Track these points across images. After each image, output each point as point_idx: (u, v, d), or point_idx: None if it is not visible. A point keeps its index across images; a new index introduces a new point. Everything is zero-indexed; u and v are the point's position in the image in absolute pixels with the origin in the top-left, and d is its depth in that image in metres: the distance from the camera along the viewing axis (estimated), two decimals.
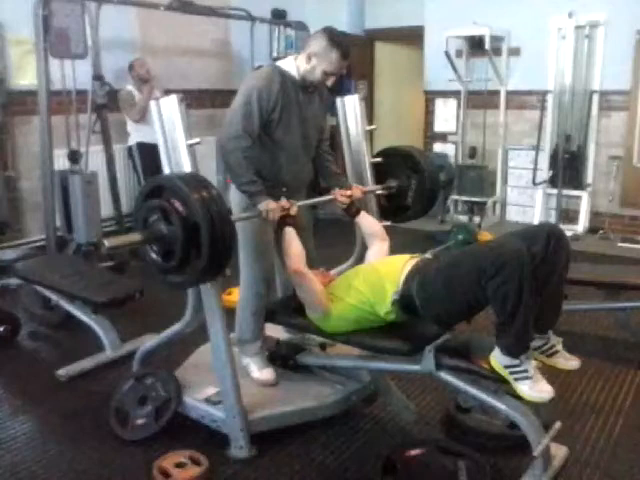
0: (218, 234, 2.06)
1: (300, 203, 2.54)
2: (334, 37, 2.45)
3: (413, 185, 3.04)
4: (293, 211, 2.48)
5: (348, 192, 2.71)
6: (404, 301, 2.24)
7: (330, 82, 2.55)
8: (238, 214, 2.58)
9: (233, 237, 2.17)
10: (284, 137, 2.54)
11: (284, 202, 2.46)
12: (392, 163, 3.08)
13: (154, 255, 2.19)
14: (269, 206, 2.43)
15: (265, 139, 2.52)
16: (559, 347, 2.32)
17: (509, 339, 2.06)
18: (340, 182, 2.79)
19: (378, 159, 3.08)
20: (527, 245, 2.11)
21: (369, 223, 2.76)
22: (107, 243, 2.07)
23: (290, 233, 2.47)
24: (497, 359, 2.11)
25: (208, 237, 2.03)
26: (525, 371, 2.07)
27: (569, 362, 2.31)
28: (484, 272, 2.01)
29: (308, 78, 2.51)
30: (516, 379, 2.08)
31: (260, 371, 2.73)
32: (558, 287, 2.25)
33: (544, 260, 2.14)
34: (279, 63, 2.60)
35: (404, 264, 2.33)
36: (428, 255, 2.41)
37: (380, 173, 3.09)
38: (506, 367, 2.09)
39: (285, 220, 2.47)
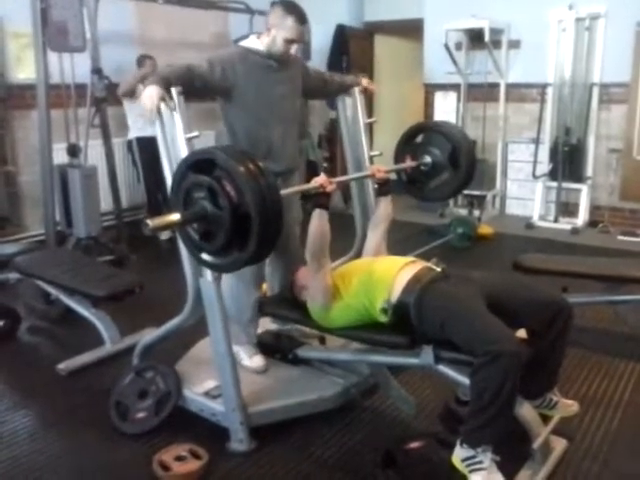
0: (269, 228, 1.94)
1: (339, 179, 2.40)
2: (287, 4, 2.54)
3: (444, 176, 2.96)
4: (330, 189, 2.33)
5: (385, 167, 2.71)
6: (399, 308, 2.20)
7: (293, 50, 2.58)
8: None
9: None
10: (256, 113, 2.58)
11: (323, 178, 2.33)
12: (437, 143, 2.99)
13: (192, 232, 2.10)
14: (316, 180, 2.34)
15: (242, 112, 2.56)
16: (556, 398, 2.34)
17: (472, 427, 2.01)
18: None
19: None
20: (533, 310, 2.15)
21: (388, 209, 2.71)
22: (150, 223, 1.98)
23: (321, 215, 2.34)
24: (456, 455, 2.04)
25: (258, 232, 1.90)
26: (480, 462, 1.99)
27: (569, 409, 2.39)
28: (474, 350, 1.99)
29: (272, 50, 2.56)
30: (470, 470, 2.00)
31: (250, 359, 2.77)
32: (555, 356, 2.27)
33: (546, 333, 2.18)
34: (242, 43, 2.65)
35: (399, 270, 2.27)
36: (433, 265, 2.31)
37: (420, 143, 3.04)
38: (463, 460, 2.02)
39: (319, 199, 2.32)
